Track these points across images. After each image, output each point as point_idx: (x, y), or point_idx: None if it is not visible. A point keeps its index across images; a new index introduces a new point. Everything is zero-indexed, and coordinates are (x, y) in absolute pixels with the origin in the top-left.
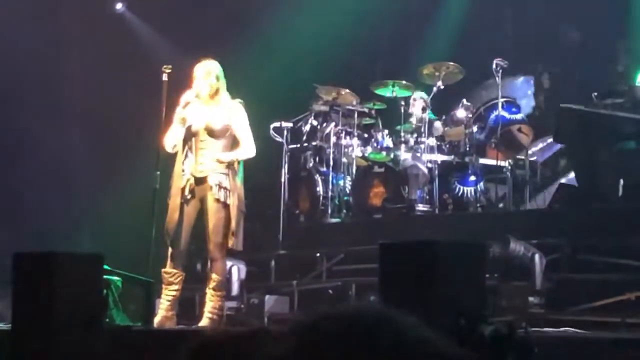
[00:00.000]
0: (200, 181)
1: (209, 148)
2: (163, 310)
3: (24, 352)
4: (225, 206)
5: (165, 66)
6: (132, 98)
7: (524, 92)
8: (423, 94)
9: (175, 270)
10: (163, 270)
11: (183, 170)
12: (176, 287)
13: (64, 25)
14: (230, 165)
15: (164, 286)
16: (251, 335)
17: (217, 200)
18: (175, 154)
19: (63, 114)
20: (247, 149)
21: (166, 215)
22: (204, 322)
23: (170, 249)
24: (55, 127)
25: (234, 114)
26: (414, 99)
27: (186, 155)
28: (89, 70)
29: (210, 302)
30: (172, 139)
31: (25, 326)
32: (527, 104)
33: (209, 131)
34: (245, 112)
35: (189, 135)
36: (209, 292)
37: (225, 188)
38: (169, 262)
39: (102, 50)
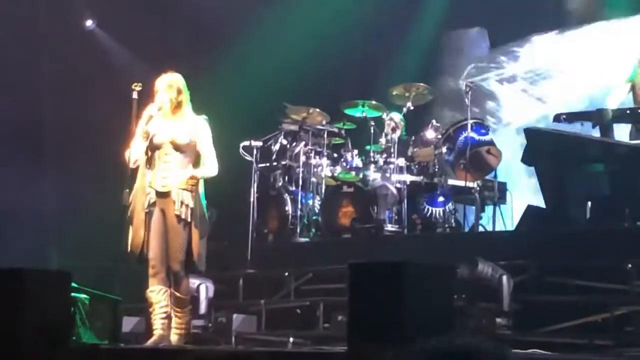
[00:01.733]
0: (162, 195)
1: (173, 162)
2: (159, 330)
3: None
4: (187, 224)
5: (135, 83)
6: (101, 115)
7: None
8: (396, 114)
9: (159, 287)
10: (147, 290)
11: (147, 186)
12: (164, 303)
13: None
14: (194, 183)
15: (152, 306)
16: (247, 356)
17: (179, 217)
18: (137, 169)
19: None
20: (212, 167)
21: (128, 234)
22: (172, 338)
23: (149, 268)
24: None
25: (199, 130)
26: (389, 119)
27: (148, 169)
28: (58, 87)
29: (177, 319)
30: (134, 153)
31: None
32: None
33: (174, 145)
34: (209, 129)
35: (153, 149)
36: (174, 310)
37: (187, 205)
38: (150, 280)
39: (71, 67)
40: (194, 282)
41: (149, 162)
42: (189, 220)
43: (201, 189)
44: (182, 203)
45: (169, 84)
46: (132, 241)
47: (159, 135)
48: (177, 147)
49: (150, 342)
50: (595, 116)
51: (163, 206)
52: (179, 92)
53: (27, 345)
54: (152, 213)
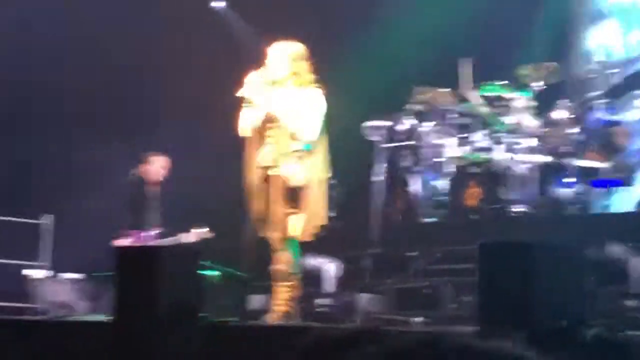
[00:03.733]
0: (272, 168)
1: (281, 135)
2: (282, 307)
3: (126, 345)
4: (284, 191)
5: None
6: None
7: None
8: (523, 94)
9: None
10: (271, 266)
11: (258, 159)
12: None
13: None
14: (301, 155)
15: (274, 283)
16: (371, 334)
17: (279, 187)
18: (254, 143)
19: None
20: (309, 131)
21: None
22: (272, 315)
23: (271, 243)
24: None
25: (307, 100)
26: (514, 99)
27: (258, 141)
28: (185, 66)
29: (279, 294)
30: (241, 123)
31: (128, 319)
32: None
33: (281, 116)
34: (322, 101)
35: (260, 120)
36: (278, 284)
37: (286, 174)
38: (273, 255)
39: (197, 46)
40: (320, 260)
41: (259, 133)
42: (286, 189)
43: (316, 159)
44: (291, 176)
45: (283, 52)
46: (254, 217)
47: (266, 107)
48: (283, 119)
49: (271, 318)
50: None
51: (274, 180)
52: (292, 61)
53: (163, 321)
54: (267, 187)
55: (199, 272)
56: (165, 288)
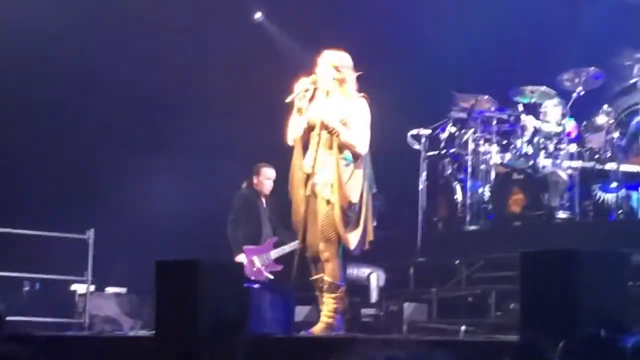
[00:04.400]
0: (313, 177)
1: (323, 143)
2: (324, 317)
3: (168, 359)
4: (329, 203)
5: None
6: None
7: None
8: (557, 100)
9: (321, 274)
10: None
11: (304, 165)
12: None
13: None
14: (344, 164)
15: (318, 293)
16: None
17: (322, 198)
18: (295, 146)
19: (207, 109)
20: (359, 144)
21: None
22: (319, 326)
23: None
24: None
25: (353, 109)
26: (551, 106)
27: (304, 148)
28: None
29: (325, 306)
30: (290, 130)
31: (169, 333)
32: None
33: (324, 126)
34: (367, 110)
35: (306, 128)
36: (324, 295)
37: (331, 185)
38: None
39: (240, 58)
40: (364, 270)
41: (305, 141)
42: (331, 200)
43: (356, 170)
44: (327, 185)
45: (330, 61)
46: (295, 227)
47: (313, 115)
48: (325, 128)
49: (316, 330)
50: None
51: (314, 188)
52: (339, 70)
53: (204, 335)
54: (309, 195)
55: (243, 284)
56: (207, 302)
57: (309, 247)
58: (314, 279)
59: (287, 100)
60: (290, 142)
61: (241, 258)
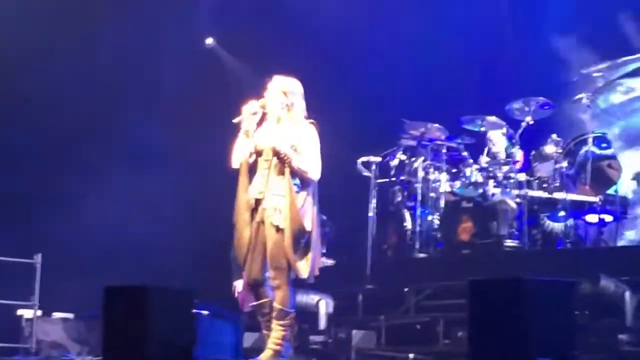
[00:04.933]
0: (260, 202)
1: (272, 169)
2: (271, 344)
3: None
4: (279, 230)
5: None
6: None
7: None
8: (505, 129)
9: (263, 299)
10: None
11: (249, 192)
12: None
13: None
14: (289, 187)
15: (259, 319)
16: None
17: (272, 224)
18: (240, 170)
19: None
20: (311, 169)
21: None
22: (266, 354)
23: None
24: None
25: (302, 135)
26: (497, 135)
27: (250, 173)
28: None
29: (274, 333)
30: (235, 153)
31: (116, 359)
32: None
33: (274, 152)
34: (316, 135)
35: (252, 152)
36: (273, 322)
37: (281, 212)
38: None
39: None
40: (313, 297)
41: (252, 166)
42: (281, 226)
43: (307, 197)
44: (277, 211)
45: (279, 87)
46: (237, 244)
47: (261, 140)
48: (276, 154)
49: (263, 358)
50: None
51: (262, 214)
52: (288, 96)
53: None
54: (253, 221)
55: (192, 311)
56: (155, 328)
57: (250, 272)
58: (256, 304)
59: (235, 120)
60: (235, 165)
61: (239, 284)
